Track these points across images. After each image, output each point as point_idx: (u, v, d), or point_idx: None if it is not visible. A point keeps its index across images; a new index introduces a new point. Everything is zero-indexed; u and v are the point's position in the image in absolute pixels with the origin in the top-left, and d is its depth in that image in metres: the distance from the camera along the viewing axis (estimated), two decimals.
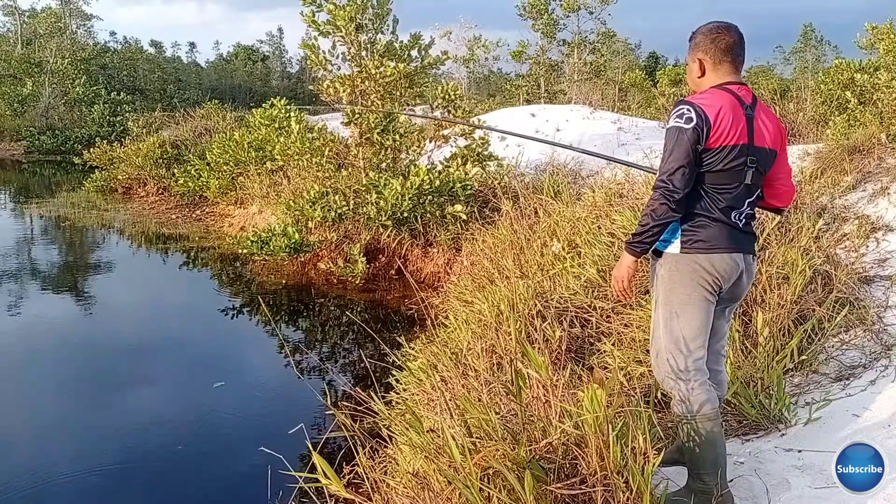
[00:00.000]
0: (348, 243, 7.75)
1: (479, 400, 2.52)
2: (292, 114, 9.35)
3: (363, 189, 7.77)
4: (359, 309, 6.72)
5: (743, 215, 2.26)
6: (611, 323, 4.01)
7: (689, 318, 2.23)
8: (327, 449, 3.17)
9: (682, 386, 2.21)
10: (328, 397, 2.77)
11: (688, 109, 2.14)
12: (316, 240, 7.90)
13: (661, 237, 2.25)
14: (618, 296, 2.39)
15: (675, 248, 2.24)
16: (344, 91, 7.98)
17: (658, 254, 2.31)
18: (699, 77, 2.30)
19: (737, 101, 2.20)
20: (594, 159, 9.31)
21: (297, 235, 7.51)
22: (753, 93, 2.27)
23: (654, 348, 2.33)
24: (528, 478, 1.86)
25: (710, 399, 2.20)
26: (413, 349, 4.53)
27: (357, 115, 7.70)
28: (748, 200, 2.27)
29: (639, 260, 2.29)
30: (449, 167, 7.90)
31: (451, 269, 7.21)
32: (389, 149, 7.98)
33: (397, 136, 7.75)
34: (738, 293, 2.35)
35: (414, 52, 8.62)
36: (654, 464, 1.97)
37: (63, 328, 6.40)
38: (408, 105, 8.74)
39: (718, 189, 2.20)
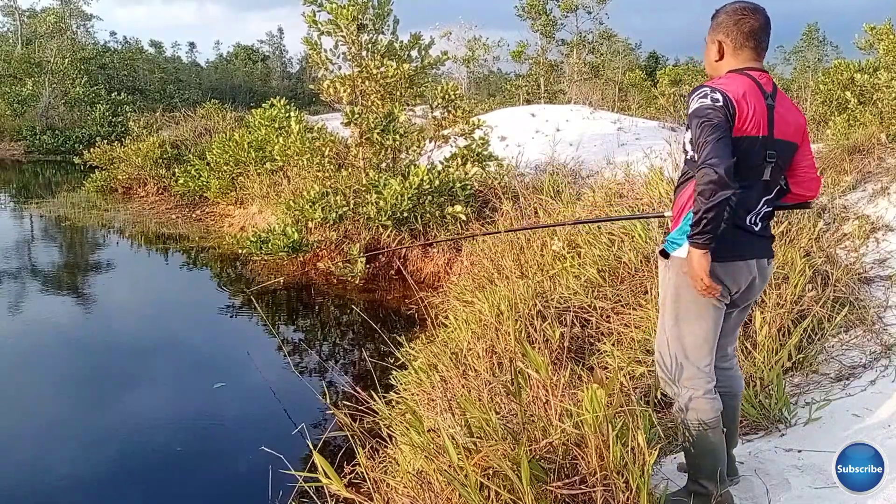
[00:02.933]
0: (348, 243, 7.75)
1: (479, 400, 2.53)
2: (292, 114, 9.36)
3: (363, 189, 7.78)
4: (359, 309, 6.72)
5: (759, 217, 2.14)
6: (611, 323, 4.01)
7: (696, 326, 2.13)
8: (328, 449, 3.17)
9: (684, 393, 2.16)
10: (328, 397, 2.77)
11: (711, 90, 1.96)
12: (316, 239, 7.91)
13: (671, 238, 2.16)
14: (705, 293, 2.09)
15: (683, 251, 2.09)
16: (344, 91, 7.98)
17: (666, 255, 2.20)
18: (717, 61, 2.14)
19: (758, 88, 2.03)
20: (594, 159, 9.33)
21: (296, 235, 7.51)
22: (774, 82, 2.11)
23: (658, 352, 2.25)
24: (525, 469, 1.86)
25: (713, 407, 2.14)
26: (413, 349, 4.53)
27: (357, 115, 7.70)
28: (766, 198, 2.14)
29: (707, 252, 1.99)
30: (449, 167, 7.91)
31: (450, 269, 7.21)
32: (389, 149, 7.98)
33: (397, 136, 7.75)
34: (751, 296, 2.25)
35: (414, 53, 8.63)
36: (651, 461, 1.97)
37: (63, 328, 6.40)
38: (408, 105, 8.75)
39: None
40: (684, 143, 2.14)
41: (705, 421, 2.13)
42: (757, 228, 2.14)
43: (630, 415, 2.18)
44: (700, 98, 1.96)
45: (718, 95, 1.94)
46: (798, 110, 2.19)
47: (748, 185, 2.05)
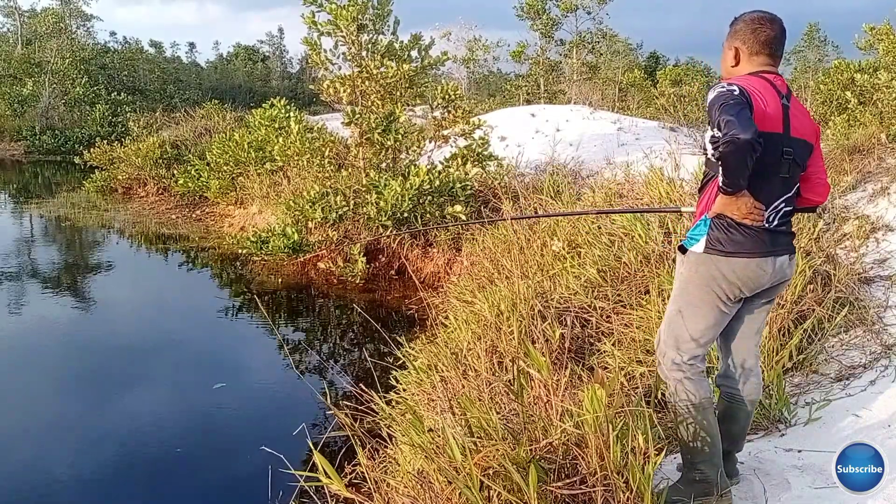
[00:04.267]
0: (348, 243, 7.76)
1: (480, 400, 2.53)
2: (292, 114, 9.36)
3: (363, 189, 7.78)
4: (359, 309, 6.73)
5: (777, 215, 2.14)
6: (611, 323, 4.01)
7: (695, 321, 2.17)
8: (328, 448, 3.17)
9: (673, 376, 2.22)
10: (328, 397, 2.77)
11: (728, 84, 2.00)
12: (316, 240, 7.91)
13: (690, 234, 2.19)
14: (752, 214, 2.06)
15: (699, 246, 2.14)
16: (344, 91, 7.99)
17: (683, 251, 2.22)
18: (733, 66, 2.22)
19: (773, 88, 2.10)
20: (594, 159, 9.33)
21: (296, 235, 7.51)
22: (788, 85, 2.18)
23: (657, 334, 2.32)
24: (533, 474, 1.86)
25: (701, 387, 2.19)
26: (413, 349, 4.53)
27: (357, 116, 7.70)
28: (785, 196, 2.15)
29: (741, 194, 2.00)
30: (449, 167, 7.91)
31: (451, 269, 7.22)
32: (389, 149, 7.99)
33: (398, 137, 7.76)
34: (772, 293, 2.26)
35: (414, 53, 8.63)
36: (654, 463, 1.97)
37: (63, 329, 6.40)
38: (408, 105, 8.75)
39: (751, 184, 2.01)
40: (704, 144, 2.16)
41: (695, 403, 2.18)
42: (774, 224, 2.14)
43: (630, 415, 2.18)
44: (717, 89, 2.00)
45: (735, 87, 1.98)
46: (810, 115, 2.23)
47: (766, 182, 2.08)
